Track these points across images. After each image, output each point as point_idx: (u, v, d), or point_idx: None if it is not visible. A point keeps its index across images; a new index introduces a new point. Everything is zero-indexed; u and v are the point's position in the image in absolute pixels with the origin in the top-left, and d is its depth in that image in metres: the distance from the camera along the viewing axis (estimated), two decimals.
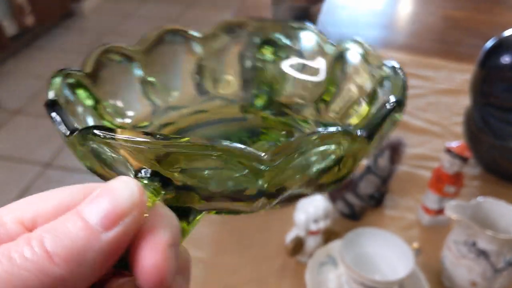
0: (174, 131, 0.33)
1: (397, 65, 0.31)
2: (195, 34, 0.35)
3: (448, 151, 0.76)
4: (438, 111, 1.15)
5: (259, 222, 0.82)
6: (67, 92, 0.28)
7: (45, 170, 1.95)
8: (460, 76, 1.28)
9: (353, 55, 0.34)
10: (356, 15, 1.65)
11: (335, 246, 0.73)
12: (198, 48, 0.35)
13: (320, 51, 0.35)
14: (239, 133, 0.34)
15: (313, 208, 0.71)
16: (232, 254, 0.76)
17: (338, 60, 0.35)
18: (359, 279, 0.64)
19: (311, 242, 0.73)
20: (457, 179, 0.79)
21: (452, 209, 0.67)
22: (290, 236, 0.75)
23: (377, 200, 0.84)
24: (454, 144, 0.77)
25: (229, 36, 0.35)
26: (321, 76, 0.35)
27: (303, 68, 0.35)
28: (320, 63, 0.35)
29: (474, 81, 0.91)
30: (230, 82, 0.36)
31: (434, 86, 1.24)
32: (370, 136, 0.25)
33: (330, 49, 0.35)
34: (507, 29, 0.92)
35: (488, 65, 0.87)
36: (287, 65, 0.35)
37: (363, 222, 0.83)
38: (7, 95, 2.36)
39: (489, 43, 0.89)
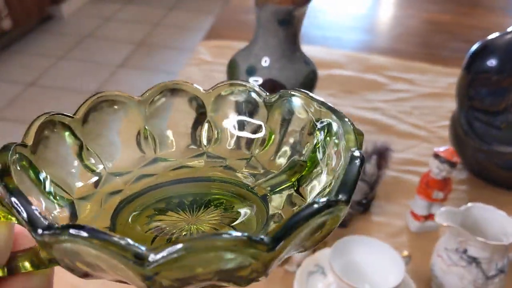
0: (123, 197, 0.32)
1: (357, 154, 0.26)
2: (133, 98, 0.34)
3: (436, 156, 0.75)
4: (424, 115, 1.14)
5: None
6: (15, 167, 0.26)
7: None
8: (445, 80, 1.27)
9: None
10: (339, 19, 1.64)
11: (323, 254, 0.72)
12: (137, 112, 0.34)
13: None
14: (188, 195, 0.32)
15: None
16: None
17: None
18: None
19: None
20: (445, 184, 0.78)
21: (442, 216, 0.65)
22: None
23: (364, 206, 0.83)
24: (442, 149, 0.76)
25: (168, 98, 0.35)
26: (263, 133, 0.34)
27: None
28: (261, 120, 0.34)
29: (460, 85, 0.91)
30: (173, 143, 0.35)
31: (419, 89, 1.24)
32: (275, 245, 0.21)
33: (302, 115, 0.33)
34: (490, 32, 0.92)
35: (473, 69, 0.86)
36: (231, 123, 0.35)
37: (350, 229, 0.81)
38: None
39: (474, 47, 0.88)
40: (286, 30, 0.76)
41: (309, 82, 0.72)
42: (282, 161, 0.33)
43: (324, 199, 0.23)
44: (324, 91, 1.20)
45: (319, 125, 0.31)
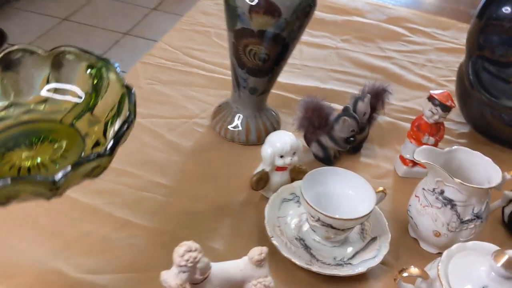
0: None
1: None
2: None
3: (431, 98, 0.73)
4: (437, 68, 1.10)
5: (228, 156, 0.80)
6: None
7: None
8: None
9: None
10: None
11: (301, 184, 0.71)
12: None
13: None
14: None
15: (280, 143, 0.68)
16: (196, 183, 0.74)
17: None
18: (317, 215, 0.61)
19: (276, 178, 0.71)
20: (437, 129, 0.75)
21: (422, 154, 0.63)
22: (257, 170, 0.72)
23: (354, 147, 0.81)
24: (438, 92, 0.73)
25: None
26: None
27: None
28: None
29: (471, 32, 0.86)
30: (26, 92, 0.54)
31: (438, 44, 1.19)
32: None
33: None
34: None
35: (486, 15, 0.82)
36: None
37: (336, 167, 0.80)
38: (16, 30, 2.35)
39: None
40: None
41: (304, 8, 0.70)
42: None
43: (95, 153, 0.42)
44: (338, 36, 1.17)
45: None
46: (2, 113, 0.51)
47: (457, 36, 1.23)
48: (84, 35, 2.39)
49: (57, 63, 0.53)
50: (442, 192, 0.63)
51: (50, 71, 0.53)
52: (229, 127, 0.82)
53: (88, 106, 0.52)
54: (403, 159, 0.79)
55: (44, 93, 0.53)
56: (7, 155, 0.49)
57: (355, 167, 0.81)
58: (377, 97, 0.82)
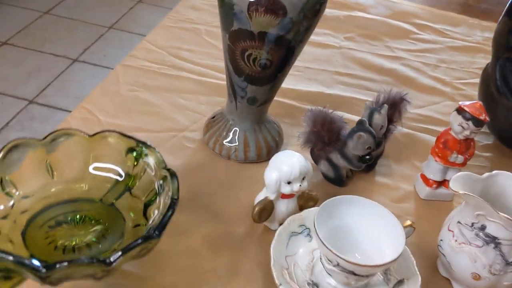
0: (29, 216, 0.52)
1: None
2: (37, 140, 0.54)
3: (461, 110, 0.62)
4: (451, 70, 1.00)
5: (223, 177, 0.69)
6: None
7: (29, 106, 1.83)
8: (480, 34, 1.12)
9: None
10: None
11: (311, 214, 0.60)
12: (40, 150, 0.54)
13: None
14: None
15: (287, 167, 0.57)
16: (186, 212, 0.62)
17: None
18: (336, 260, 0.50)
19: (282, 207, 0.60)
20: (467, 146, 0.65)
21: (458, 182, 0.53)
22: (259, 197, 0.62)
23: (368, 165, 0.70)
24: (468, 103, 0.63)
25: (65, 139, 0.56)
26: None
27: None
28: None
29: (499, 32, 0.76)
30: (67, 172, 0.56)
31: (449, 42, 1.09)
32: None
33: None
34: None
35: None
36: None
37: (349, 189, 0.70)
38: None
39: None
40: None
41: (313, 5, 0.59)
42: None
43: (143, 237, 0.44)
44: (341, 34, 1.06)
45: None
46: (45, 192, 0.54)
47: (469, 33, 1.13)
48: (66, 29, 2.28)
49: (98, 146, 0.55)
50: (483, 228, 0.52)
51: (92, 153, 0.55)
52: (225, 142, 0.71)
53: (128, 186, 0.55)
54: (425, 179, 0.69)
55: (85, 173, 0.55)
56: (50, 233, 0.51)
57: (370, 189, 0.70)
58: (394, 107, 0.71)
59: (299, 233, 0.60)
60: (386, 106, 0.68)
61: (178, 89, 0.83)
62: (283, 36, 0.60)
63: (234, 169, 0.70)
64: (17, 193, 0.52)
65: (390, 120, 0.71)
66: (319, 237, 0.51)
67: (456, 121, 0.63)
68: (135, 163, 0.54)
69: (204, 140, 0.73)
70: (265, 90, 0.67)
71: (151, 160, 0.54)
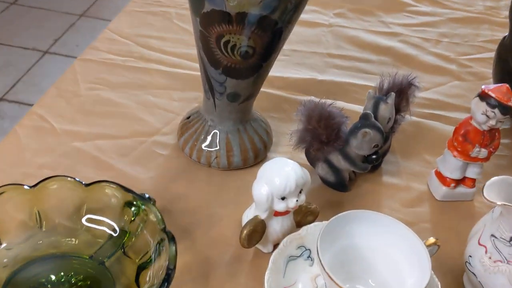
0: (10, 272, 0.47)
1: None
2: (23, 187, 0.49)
3: (485, 96, 0.52)
4: (454, 45, 0.90)
5: (203, 189, 0.58)
6: None
7: None
8: (481, 2, 1.02)
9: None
10: None
11: (311, 232, 0.50)
12: (26, 199, 0.49)
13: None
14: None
15: (280, 179, 0.46)
16: None
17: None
18: None
19: (276, 226, 0.50)
20: (491, 138, 0.55)
21: (494, 190, 0.43)
22: (248, 215, 0.51)
23: (373, 162, 0.60)
24: (492, 86, 0.52)
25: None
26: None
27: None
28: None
29: None
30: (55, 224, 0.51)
31: (450, 13, 0.98)
32: None
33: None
34: None
35: None
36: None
37: (352, 193, 0.60)
38: None
39: None
40: None
41: None
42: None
43: None
44: (330, 10, 0.95)
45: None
46: (31, 244, 0.49)
47: (470, 2, 1.02)
48: (35, 19, 2.16)
49: (94, 196, 0.50)
50: None
51: (86, 203, 0.50)
52: (203, 147, 0.60)
53: (122, 244, 0.49)
54: (441, 178, 0.59)
55: (77, 224, 0.51)
56: None
57: (378, 191, 0.60)
58: (401, 94, 0.60)
59: (298, 256, 0.49)
60: (393, 94, 0.57)
61: (147, 85, 0.72)
62: (267, 16, 0.49)
63: (216, 179, 0.59)
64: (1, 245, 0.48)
65: (397, 109, 0.60)
66: (323, 268, 0.41)
67: (479, 109, 0.52)
68: (133, 219, 0.49)
69: (179, 145, 0.62)
70: (247, 84, 0.56)
71: (148, 218, 0.48)
